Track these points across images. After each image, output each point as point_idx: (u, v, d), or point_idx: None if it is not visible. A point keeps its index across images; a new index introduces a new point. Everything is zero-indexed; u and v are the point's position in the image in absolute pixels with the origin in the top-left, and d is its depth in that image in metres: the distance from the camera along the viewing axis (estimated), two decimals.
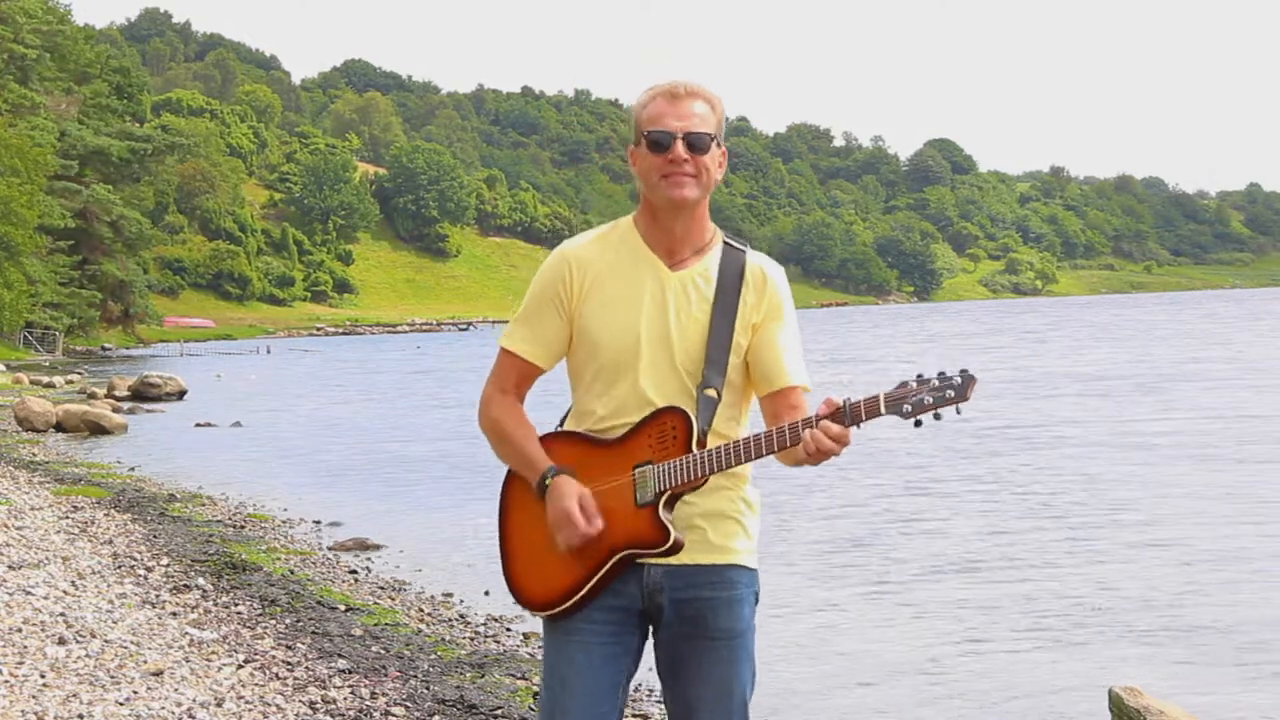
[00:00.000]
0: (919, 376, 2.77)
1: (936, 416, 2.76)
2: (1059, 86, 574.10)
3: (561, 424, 3.11)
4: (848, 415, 2.77)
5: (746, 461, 2.88)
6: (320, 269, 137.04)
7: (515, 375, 3.07)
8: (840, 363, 37.42)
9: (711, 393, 2.93)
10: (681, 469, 2.88)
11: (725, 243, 3.04)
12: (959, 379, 2.74)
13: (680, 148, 2.93)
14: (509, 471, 3.09)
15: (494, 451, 3.09)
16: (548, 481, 2.96)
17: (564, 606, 2.98)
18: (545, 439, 3.04)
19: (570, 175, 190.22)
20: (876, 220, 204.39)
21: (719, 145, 2.99)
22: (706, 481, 2.90)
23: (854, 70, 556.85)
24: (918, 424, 2.76)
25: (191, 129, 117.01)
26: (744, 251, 3.03)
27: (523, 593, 3.06)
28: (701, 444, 2.90)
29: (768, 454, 2.86)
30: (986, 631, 8.26)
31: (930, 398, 2.74)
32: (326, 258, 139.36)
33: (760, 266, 3.03)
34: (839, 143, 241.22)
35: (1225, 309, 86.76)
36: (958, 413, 2.76)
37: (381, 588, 9.62)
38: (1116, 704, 5.60)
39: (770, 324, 3.00)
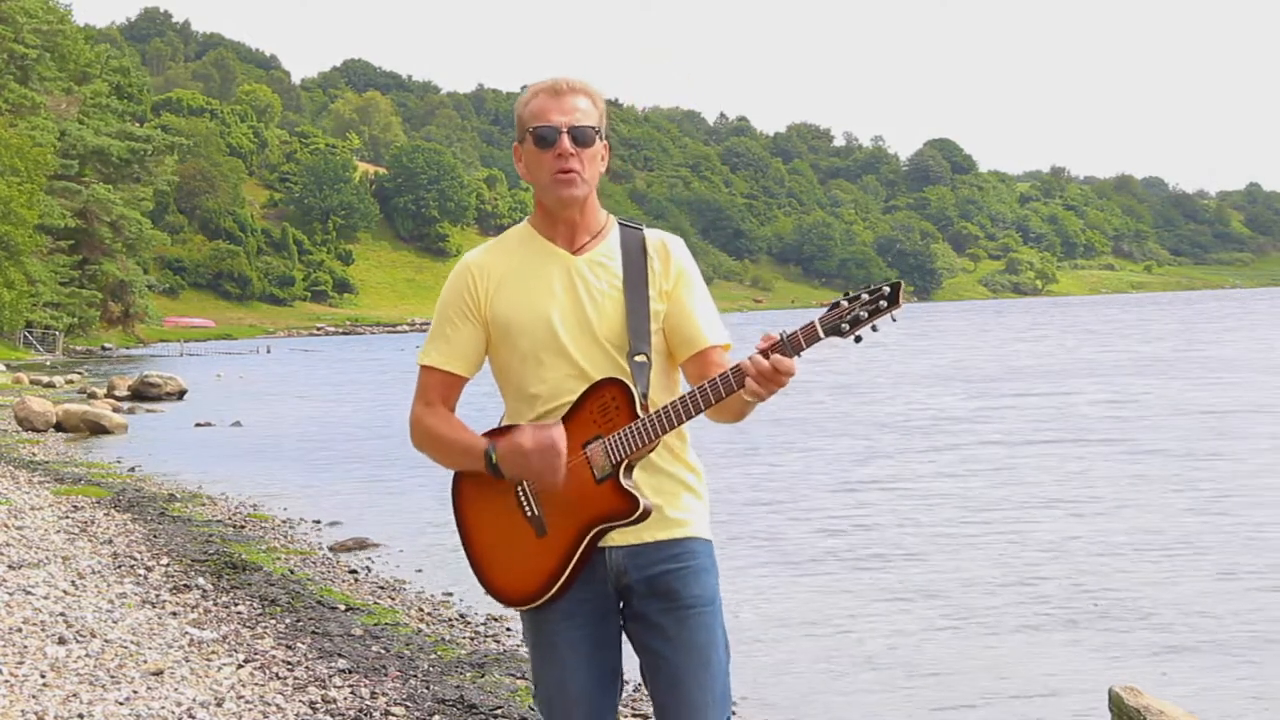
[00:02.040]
0: (847, 294, 2.82)
1: (874, 329, 2.81)
2: (1059, 86, 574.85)
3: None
4: (787, 345, 2.81)
5: (694, 415, 2.90)
6: (320, 269, 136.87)
7: (440, 389, 3.09)
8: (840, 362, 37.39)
9: (642, 358, 2.98)
10: (632, 436, 2.90)
11: (621, 224, 3.10)
12: (888, 288, 2.80)
13: (566, 142, 2.98)
14: (454, 477, 3.10)
15: (436, 461, 3.10)
16: (493, 455, 2.95)
17: (549, 595, 2.97)
18: (487, 436, 3.03)
19: None
20: (876, 220, 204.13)
21: (602, 139, 3.04)
22: (658, 444, 2.93)
23: (854, 70, 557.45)
24: (858, 339, 2.80)
25: (191, 129, 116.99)
26: (640, 228, 3.10)
27: (503, 590, 3.04)
28: (645, 408, 2.93)
29: (715, 402, 2.88)
30: (985, 630, 8.26)
31: (865, 311, 2.80)
32: (326, 257, 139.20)
33: (659, 238, 3.10)
34: (839, 143, 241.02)
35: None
36: (893, 320, 2.82)
37: (381, 587, 9.62)
38: (1116, 704, 5.60)
39: (680, 290, 3.06)
